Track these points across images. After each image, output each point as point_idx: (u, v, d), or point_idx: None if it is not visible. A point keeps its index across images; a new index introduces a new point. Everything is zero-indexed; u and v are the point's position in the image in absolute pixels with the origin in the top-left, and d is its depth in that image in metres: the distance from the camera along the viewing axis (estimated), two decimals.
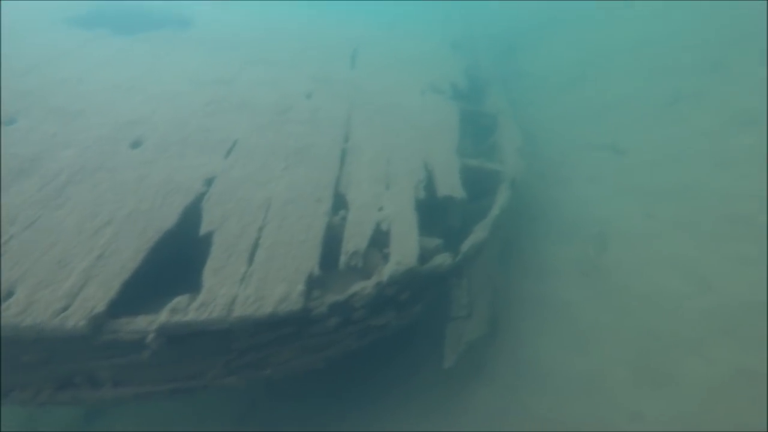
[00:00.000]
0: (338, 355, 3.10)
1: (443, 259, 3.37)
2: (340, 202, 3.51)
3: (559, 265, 4.72)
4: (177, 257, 2.83)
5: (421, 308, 3.39)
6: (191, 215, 3.08)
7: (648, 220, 4.86)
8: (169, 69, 4.95)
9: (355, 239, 3.15)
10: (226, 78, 4.91)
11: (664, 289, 4.18)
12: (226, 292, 2.58)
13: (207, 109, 4.27)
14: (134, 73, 4.71)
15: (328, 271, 3.00)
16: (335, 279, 3.02)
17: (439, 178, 4.07)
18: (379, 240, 3.28)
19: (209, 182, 3.37)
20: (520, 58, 8.77)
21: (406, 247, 3.18)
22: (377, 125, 4.60)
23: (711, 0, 7.31)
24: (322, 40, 6.75)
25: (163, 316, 2.39)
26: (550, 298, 4.48)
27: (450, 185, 4.00)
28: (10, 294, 2.35)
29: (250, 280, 2.68)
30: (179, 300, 2.49)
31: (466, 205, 4.35)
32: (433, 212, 4.06)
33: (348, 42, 6.71)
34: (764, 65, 5.88)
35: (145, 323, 2.38)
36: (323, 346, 3.02)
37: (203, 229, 2.98)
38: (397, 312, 3.21)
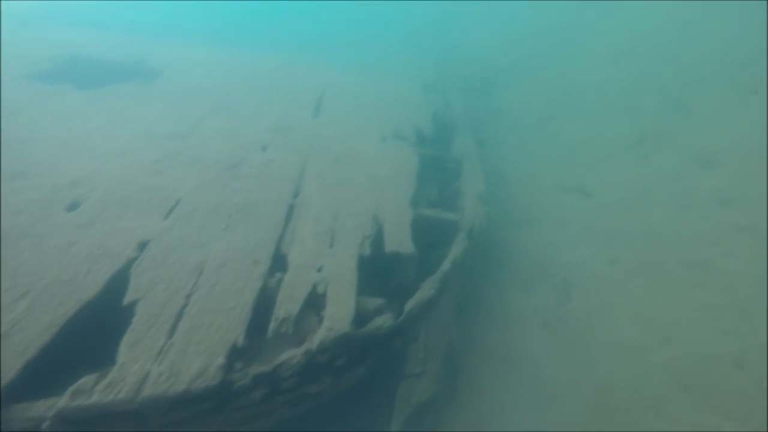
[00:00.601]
0: (271, 425, 2.97)
1: (383, 321, 3.26)
2: (279, 263, 3.44)
3: (523, 315, 4.61)
4: (98, 330, 2.74)
5: (364, 371, 3.28)
6: (118, 283, 3.00)
7: (612, 266, 4.78)
8: (125, 124, 4.94)
9: (286, 304, 3.05)
10: (182, 132, 4.91)
11: (624, 340, 4.06)
12: (138, 368, 2.47)
13: (156, 167, 4.24)
14: (87, 130, 4.70)
15: (259, 338, 2.91)
16: (265, 347, 2.92)
17: (388, 233, 4.00)
18: (317, 303, 3.19)
19: (143, 246, 3.29)
20: (495, 96, 8.85)
21: (340, 311, 3.09)
22: (330, 177, 4.56)
23: (673, 40, 7.42)
24: (289, 86, 6.80)
25: (64, 400, 2.27)
26: (513, 350, 4.35)
27: (398, 240, 3.93)
28: None
29: (167, 354, 2.57)
30: (85, 380, 2.37)
31: (422, 257, 4.29)
32: (383, 268, 3.98)
33: (315, 88, 6.77)
34: (726, 106, 5.91)
35: (44, 408, 2.26)
36: (252, 417, 2.89)
37: (127, 298, 2.89)
38: (334, 378, 3.09)
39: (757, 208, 4.67)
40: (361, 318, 3.29)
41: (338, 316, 3.05)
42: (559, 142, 6.90)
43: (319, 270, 3.40)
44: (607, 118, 6.90)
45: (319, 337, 2.89)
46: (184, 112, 5.38)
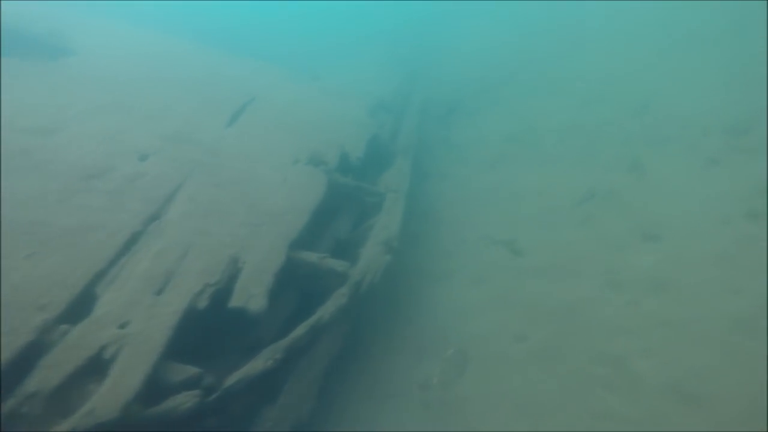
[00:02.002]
0: None
1: (185, 399, 2.65)
2: (77, 312, 2.81)
3: (405, 389, 4.00)
4: None
5: None
6: None
7: (517, 344, 4.17)
8: None
9: (46, 373, 2.43)
10: (49, 126, 4.26)
11: None
12: None
13: None
14: None
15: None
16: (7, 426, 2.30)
17: (243, 281, 3.39)
18: (100, 370, 2.58)
19: None
20: (455, 124, 8.26)
21: (121, 386, 2.47)
22: (204, 203, 3.94)
23: (646, 92, 6.88)
24: (215, 88, 6.14)
25: None
26: (383, 428, 3.75)
27: (250, 292, 3.32)
28: None
29: None
30: None
31: (298, 311, 3.72)
32: (229, 326, 3.38)
33: (245, 94, 6.13)
34: (682, 173, 5.35)
35: None
36: None
37: None
38: None
39: (688, 299, 4.09)
40: (164, 391, 2.68)
41: (113, 393, 2.43)
42: (505, 186, 6.31)
43: (123, 326, 2.79)
44: (561, 166, 6.31)
45: (70, 424, 2.28)
46: (68, 101, 4.72)
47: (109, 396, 2.40)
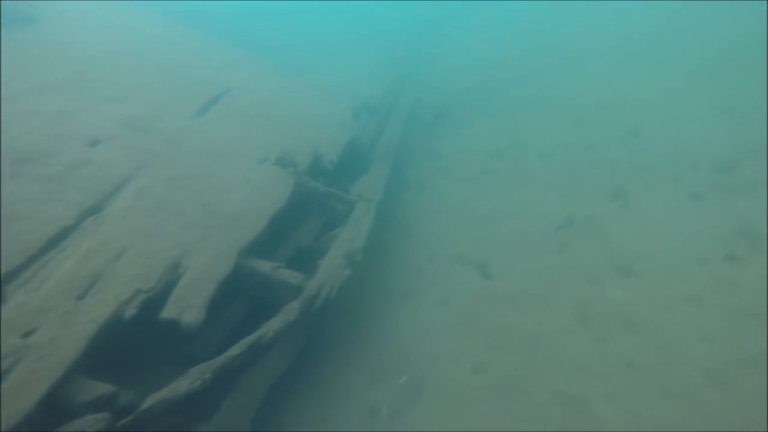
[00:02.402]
0: None
1: (93, 422, 2.37)
2: None
3: (354, 414, 3.75)
4: None
5: None
6: None
7: (476, 375, 3.94)
8: None
9: None
10: None
11: None
12: None
13: None
14: None
15: None
16: None
17: (180, 290, 3.11)
18: None
19: None
20: (441, 133, 8.01)
21: (10, 405, 2.18)
22: (152, 199, 3.65)
23: (638, 116, 6.70)
24: (190, 74, 5.82)
25: None
26: None
27: (187, 303, 3.04)
28: None
29: None
30: None
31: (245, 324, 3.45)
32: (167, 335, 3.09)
33: (221, 84, 5.83)
34: (664, 207, 5.15)
35: None
36: None
37: None
38: None
39: (657, 343, 3.88)
40: (68, 412, 2.40)
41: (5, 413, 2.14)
42: (484, 203, 6.08)
43: (27, 335, 2.49)
44: (543, 188, 6.09)
45: None
46: (16, 74, 4.37)
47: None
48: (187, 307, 3.00)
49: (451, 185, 6.61)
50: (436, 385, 3.89)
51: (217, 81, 5.86)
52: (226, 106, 5.40)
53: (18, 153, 3.47)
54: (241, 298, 3.78)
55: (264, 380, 3.47)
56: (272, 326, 3.30)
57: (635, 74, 7.89)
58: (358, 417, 3.75)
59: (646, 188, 5.50)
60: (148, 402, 2.58)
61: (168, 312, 2.94)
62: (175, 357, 3.21)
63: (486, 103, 8.75)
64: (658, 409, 3.44)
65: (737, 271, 4.35)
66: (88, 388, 2.48)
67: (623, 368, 3.79)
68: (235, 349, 3.03)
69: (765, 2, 7.74)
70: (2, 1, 5.12)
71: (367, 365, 4.20)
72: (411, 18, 13.37)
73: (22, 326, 2.48)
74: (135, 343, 2.97)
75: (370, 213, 4.93)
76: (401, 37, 12.41)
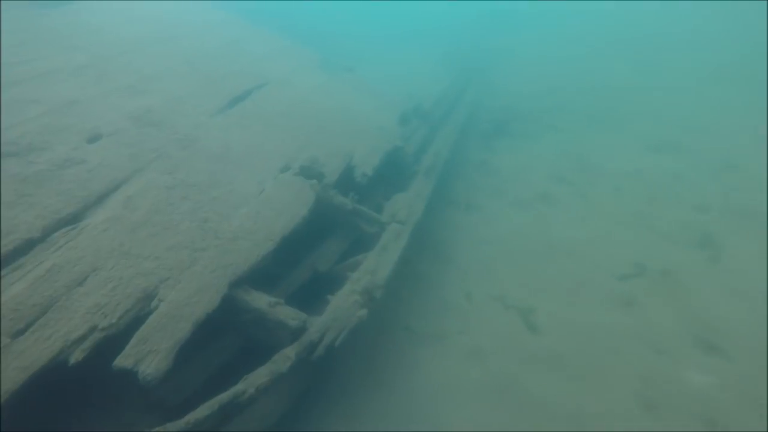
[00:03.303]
0: None
1: None
2: None
3: None
4: None
5: None
6: None
7: None
8: None
9: None
10: None
11: None
12: None
13: None
14: None
15: None
16: None
17: (147, 329, 2.58)
18: None
19: None
20: (499, 147, 7.19)
21: None
22: (143, 210, 3.15)
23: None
24: (221, 65, 5.32)
25: None
26: None
27: (148, 347, 2.51)
28: None
29: None
30: None
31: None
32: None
33: (255, 78, 5.32)
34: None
35: None
36: None
37: None
38: None
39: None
40: None
41: None
42: (538, 235, 5.25)
43: None
44: (610, 224, 5.19)
45: None
46: (30, 57, 4.03)
47: None
48: (149, 352, 2.48)
49: (502, 209, 5.81)
50: None
51: (252, 74, 5.37)
52: (255, 103, 4.89)
53: (6, 147, 3.08)
54: (234, 332, 3.24)
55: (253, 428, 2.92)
56: (255, 381, 2.73)
57: (734, 97, 6.73)
58: None
59: (742, 238, 4.51)
60: None
61: (124, 359, 2.42)
62: (140, 400, 2.71)
63: (555, 113, 7.83)
64: None
65: None
66: None
67: None
68: (202, 411, 2.47)
69: None
70: None
71: (375, 417, 3.56)
72: (476, 11, 12.51)
73: None
74: (91, 379, 2.50)
75: (402, 239, 4.26)
76: (466, 33, 11.59)
